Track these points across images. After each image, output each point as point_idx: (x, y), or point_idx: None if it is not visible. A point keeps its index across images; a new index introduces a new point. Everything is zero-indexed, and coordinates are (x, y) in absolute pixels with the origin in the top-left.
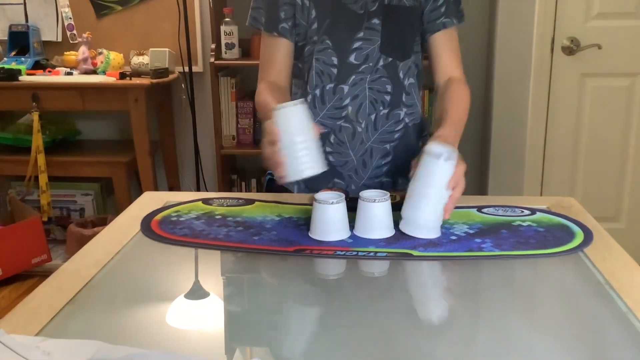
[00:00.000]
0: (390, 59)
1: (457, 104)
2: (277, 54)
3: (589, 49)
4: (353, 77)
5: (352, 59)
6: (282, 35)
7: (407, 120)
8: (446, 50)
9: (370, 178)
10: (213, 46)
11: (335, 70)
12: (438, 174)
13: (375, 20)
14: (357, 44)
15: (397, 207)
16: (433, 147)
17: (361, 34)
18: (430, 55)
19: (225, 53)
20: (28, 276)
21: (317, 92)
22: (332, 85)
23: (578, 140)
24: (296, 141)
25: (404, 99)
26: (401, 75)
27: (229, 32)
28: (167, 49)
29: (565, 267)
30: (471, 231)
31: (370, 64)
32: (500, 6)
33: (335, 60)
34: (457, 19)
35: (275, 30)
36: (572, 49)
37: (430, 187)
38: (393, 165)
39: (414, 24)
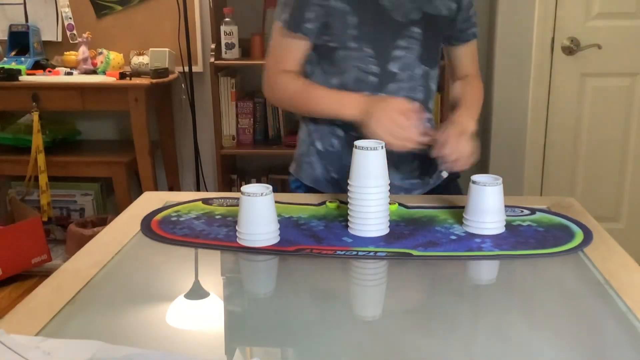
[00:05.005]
0: (426, 68)
1: (473, 89)
2: (295, 52)
3: (589, 49)
4: (392, 85)
5: (392, 67)
6: (305, 35)
7: (427, 125)
8: (470, 58)
9: (402, 180)
10: (213, 46)
11: (375, 79)
12: (489, 198)
13: (417, 29)
14: (397, 52)
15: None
16: (478, 177)
17: (402, 43)
18: (452, 61)
19: (225, 53)
20: (28, 276)
21: None
22: (370, 93)
23: (578, 140)
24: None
25: (429, 106)
26: (431, 83)
27: (229, 32)
28: (167, 49)
29: (565, 267)
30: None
31: (409, 72)
32: (500, 6)
33: (375, 68)
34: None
35: (299, 30)
36: (572, 49)
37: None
38: (419, 168)
39: (446, 33)
